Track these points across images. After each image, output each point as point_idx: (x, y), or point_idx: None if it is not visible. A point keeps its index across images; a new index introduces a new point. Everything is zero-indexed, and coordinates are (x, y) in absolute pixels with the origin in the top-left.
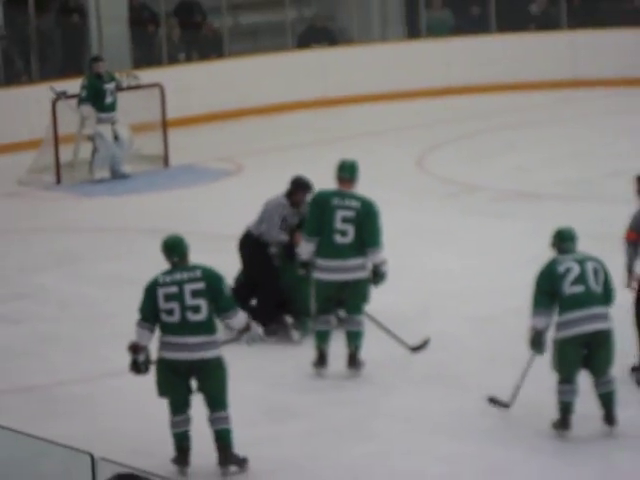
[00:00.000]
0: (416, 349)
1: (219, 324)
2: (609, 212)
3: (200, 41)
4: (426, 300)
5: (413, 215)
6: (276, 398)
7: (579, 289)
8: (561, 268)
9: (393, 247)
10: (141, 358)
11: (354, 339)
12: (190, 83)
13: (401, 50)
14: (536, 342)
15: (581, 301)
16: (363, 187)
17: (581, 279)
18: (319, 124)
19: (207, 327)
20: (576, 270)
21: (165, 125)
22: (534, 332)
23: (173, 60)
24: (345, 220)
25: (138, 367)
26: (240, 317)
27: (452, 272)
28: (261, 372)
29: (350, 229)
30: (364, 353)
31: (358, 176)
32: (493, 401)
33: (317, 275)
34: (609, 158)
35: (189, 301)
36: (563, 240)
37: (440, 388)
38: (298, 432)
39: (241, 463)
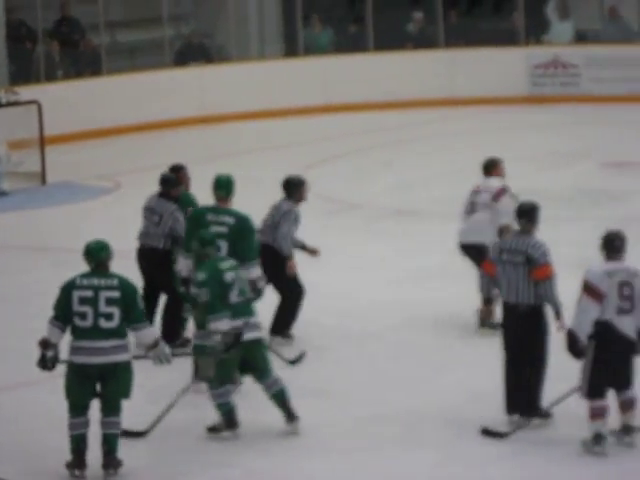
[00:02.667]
0: (293, 362)
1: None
2: None
3: (78, 58)
4: (304, 317)
5: None
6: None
7: (241, 298)
8: (228, 277)
9: None
10: (49, 354)
11: None
12: (68, 100)
13: (279, 68)
14: (234, 344)
15: (243, 310)
16: (242, 205)
17: (242, 290)
18: (197, 142)
19: (118, 332)
20: (238, 282)
21: (43, 142)
22: (225, 335)
23: (51, 77)
24: (218, 236)
25: (45, 363)
26: (150, 332)
27: (330, 289)
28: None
29: (223, 245)
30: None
31: (234, 191)
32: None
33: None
34: None
35: (103, 308)
36: (204, 245)
37: (320, 404)
38: (184, 447)
39: (118, 465)
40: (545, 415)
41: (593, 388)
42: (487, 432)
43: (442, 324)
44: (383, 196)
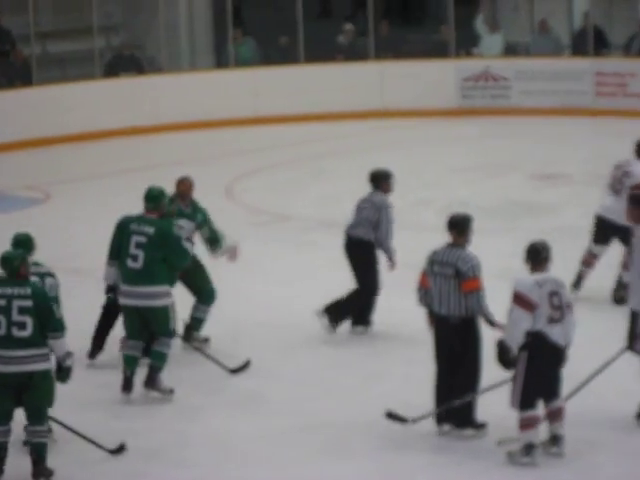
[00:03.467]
0: (236, 371)
1: None
2: (419, 241)
3: (9, 69)
4: (235, 328)
5: None
6: (86, 423)
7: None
8: None
9: None
10: None
11: (154, 358)
12: None
13: (210, 79)
14: None
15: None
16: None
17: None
18: (129, 153)
19: (34, 341)
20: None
21: None
22: None
23: None
24: (138, 245)
25: None
26: (64, 343)
27: (261, 300)
28: (69, 396)
29: (140, 254)
30: (176, 377)
31: (162, 203)
32: None
33: (120, 300)
34: (418, 188)
35: (15, 317)
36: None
37: (250, 414)
38: (108, 458)
39: (49, 475)
40: (478, 426)
41: (525, 399)
42: (391, 416)
43: (373, 335)
44: (313, 208)
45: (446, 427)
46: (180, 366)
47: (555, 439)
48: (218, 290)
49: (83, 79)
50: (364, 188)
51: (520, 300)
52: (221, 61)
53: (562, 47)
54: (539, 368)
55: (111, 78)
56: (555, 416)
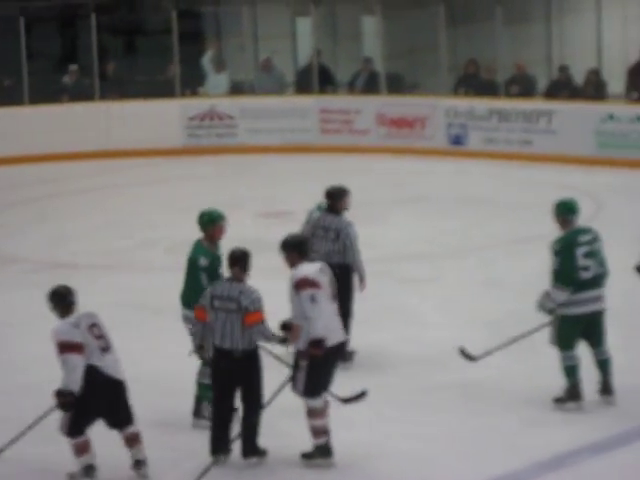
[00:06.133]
0: (348, 400)
1: None
2: (147, 281)
3: None
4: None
5: None
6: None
7: None
8: None
9: None
10: None
11: None
12: None
13: None
14: None
15: None
16: None
17: None
18: None
19: None
20: None
21: None
22: None
23: None
24: None
25: None
26: None
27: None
28: None
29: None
30: None
31: (203, 228)
32: None
33: None
34: (144, 228)
35: None
36: None
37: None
38: None
39: None
40: (261, 453)
41: (73, 427)
42: (138, 463)
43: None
44: (39, 249)
45: (221, 457)
46: None
47: (138, 463)
48: None
49: None
50: (92, 228)
51: (67, 347)
52: None
53: (286, 85)
54: (94, 401)
55: None
56: (132, 442)
